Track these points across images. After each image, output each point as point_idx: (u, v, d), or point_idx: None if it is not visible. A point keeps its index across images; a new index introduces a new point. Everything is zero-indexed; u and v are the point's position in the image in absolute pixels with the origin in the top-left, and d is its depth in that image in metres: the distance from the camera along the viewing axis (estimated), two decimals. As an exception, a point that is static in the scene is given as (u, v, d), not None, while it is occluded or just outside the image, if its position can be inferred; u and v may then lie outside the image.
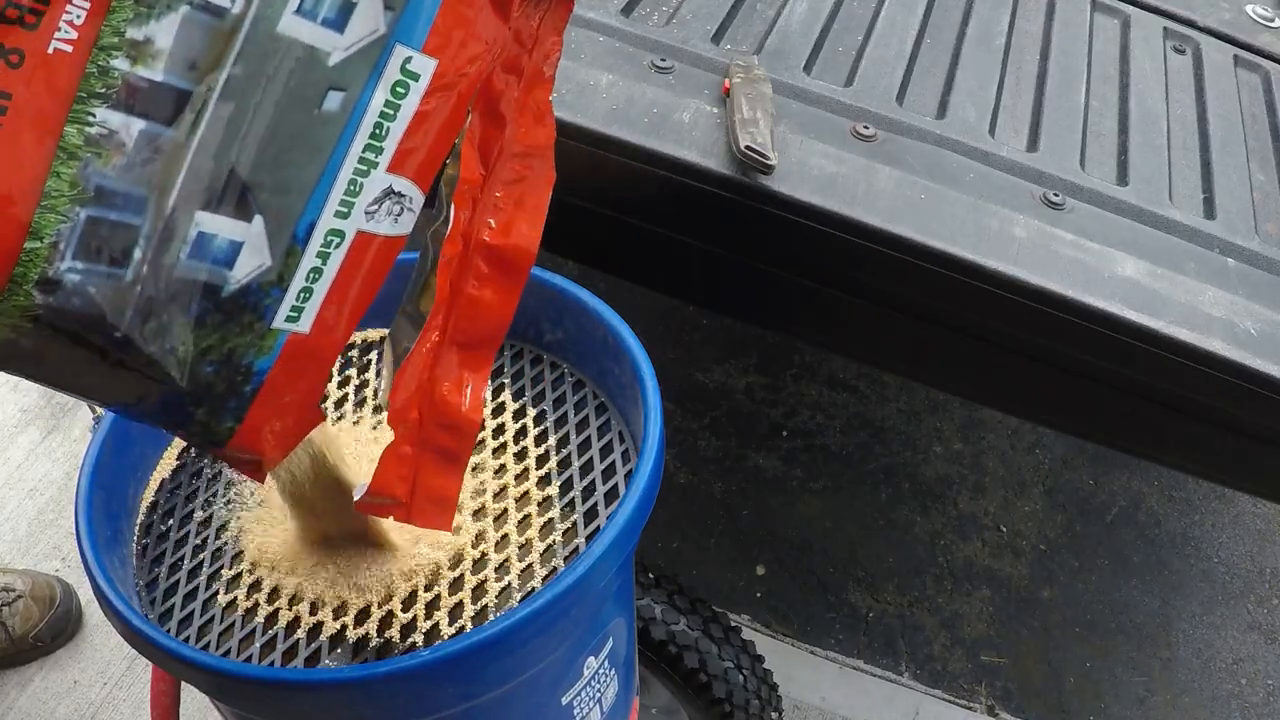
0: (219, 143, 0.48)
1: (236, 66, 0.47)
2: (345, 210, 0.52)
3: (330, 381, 0.87)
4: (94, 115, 0.45)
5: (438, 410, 0.60)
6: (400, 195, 0.53)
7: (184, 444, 0.82)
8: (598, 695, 0.81)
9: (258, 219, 0.50)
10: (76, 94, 0.44)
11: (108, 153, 0.46)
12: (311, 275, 0.52)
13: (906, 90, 1.10)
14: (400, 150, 0.52)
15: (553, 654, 0.70)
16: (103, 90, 0.45)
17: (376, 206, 0.53)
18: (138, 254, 0.47)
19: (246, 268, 0.50)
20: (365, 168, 0.51)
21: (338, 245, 0.52)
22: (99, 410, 1.47)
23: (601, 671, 0.80)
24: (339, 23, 0.49)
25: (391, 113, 0.51)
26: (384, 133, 0.51)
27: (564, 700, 0.77)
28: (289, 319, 0.52)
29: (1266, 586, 1.74)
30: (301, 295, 0.52)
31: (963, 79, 1.13)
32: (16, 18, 0.43)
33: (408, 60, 0.50)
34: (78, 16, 0.44)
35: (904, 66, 1.12)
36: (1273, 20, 1.38)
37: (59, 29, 0.43)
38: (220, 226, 0.49)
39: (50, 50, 0.44)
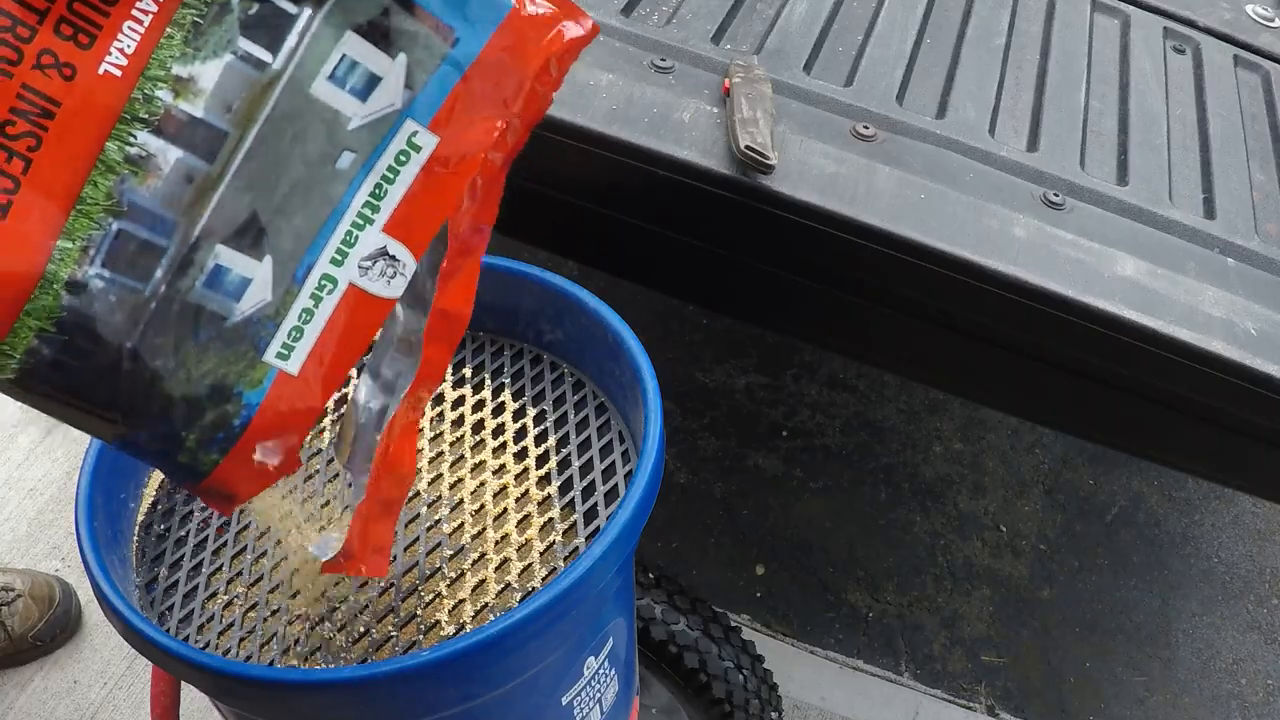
0: (246, 184, 0.52)
1: (270, 117, 0.52)
2: (340, 259, 0.56)
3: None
4: (135, 136, 0.49)
5: (390, 465, 0.63)
6: (394, 259, 0.57)
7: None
8: (598, 695, 0.81)
9: (268, 259, 0.54)
10: (121, 114, 0.49)
11: (144, 173, 0.50)
12: (304, 315, 0.56)
13: (906, 90, 1.10)
14: (397, 213, 0.56)
15: (553, 654, 0.70)
16: (145, 116, 0.49)
17: (370, 264, 0.56)
18: (159, 273, 0.51)
19: (251, 302, 0.54)
20: (362, 222, 0.56)
21: (330, 291, 0.56)
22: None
23: (601, 671, 0.80)
24: (364, 93, 0.54)
25: (392, 177, 0.56)
26: (383, 193, 0.56)
27: (564, 700, 0.77)
28: (280, 355, 0.55)
29: (1266, 586, 1.74)
30: (293, 334, 0.56)
31: (963, 79, 1.13)
32: (71, 35, 0.47)
33: (414, 134, 0.55)
34: (129, 46, 0.49)
35: (904, 66, 1.12)
36: (1273, 20, 1.38)
37: (110, 54, 0.48)
38: (235, 262, 0.53)
39: (100, 71, 0.48)
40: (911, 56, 1.14)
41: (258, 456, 0.57)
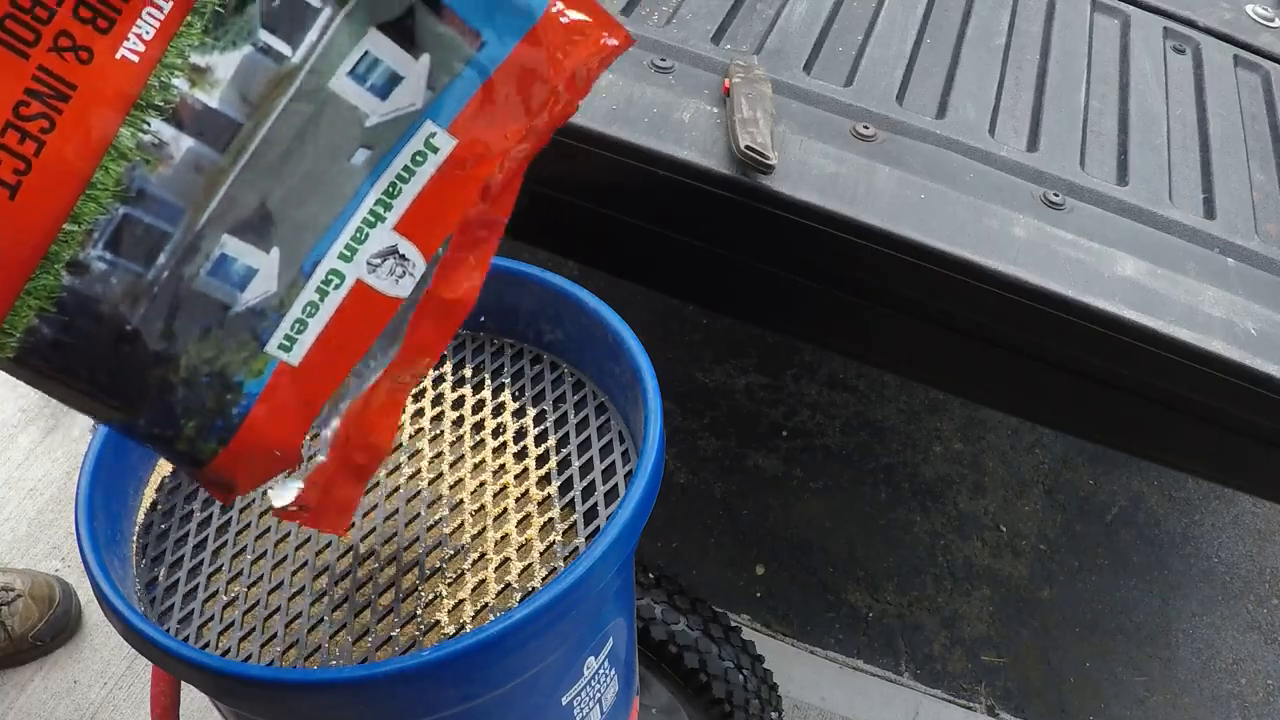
0: (257, 176, 0.52)
1: (286, 111, 0.52)
2: (349, 255, 0.56)
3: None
4: (149, 124, 0.49)
5: (364, 432, 0.63)
6: (404, 258, 0.57)
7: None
8: (598, 695, 0.81)
9: (275, 251, 0.54)
10: (136, 101, 0.49)
11: (155, 160, 0.50)
12: (308, 309, 0.56)
13: (906, 90, 1.10)
14: (409, 212, 0.56)
15: (553, 654, 0.70)
16: (161, 103, 0.49)
17: (380, 261, 0.57)
18: (162, 259, 0.51)
19: (255, 293, 0.54)
20: (374, 219, 0.56)
21: (337, 286, 0.56)
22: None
23: (601, 671, 0.80)
24: (384, 91, 0.54)
25: (407, 176, 0.56)
26: (397, 192, 0.56)
27: (564, 700, 0.77)
28: (281, 346, 0.56)
29: (1266, 586, 1.74)
30: (296, 326, 0.56)
31: (963, 79, 1.13)
32: (90, 19, 0.47)
33: (433, 135, 0.55)
34: (147, 32, 0.48)
35: (904, 66, 1.12)
36: (1273, 20, 1.38)
37: (128, 39, 0.48)
38: (242, 252, 0.53)
39: (118, 56, 0.48)
40: (911, 56, 1.14)
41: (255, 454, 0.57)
